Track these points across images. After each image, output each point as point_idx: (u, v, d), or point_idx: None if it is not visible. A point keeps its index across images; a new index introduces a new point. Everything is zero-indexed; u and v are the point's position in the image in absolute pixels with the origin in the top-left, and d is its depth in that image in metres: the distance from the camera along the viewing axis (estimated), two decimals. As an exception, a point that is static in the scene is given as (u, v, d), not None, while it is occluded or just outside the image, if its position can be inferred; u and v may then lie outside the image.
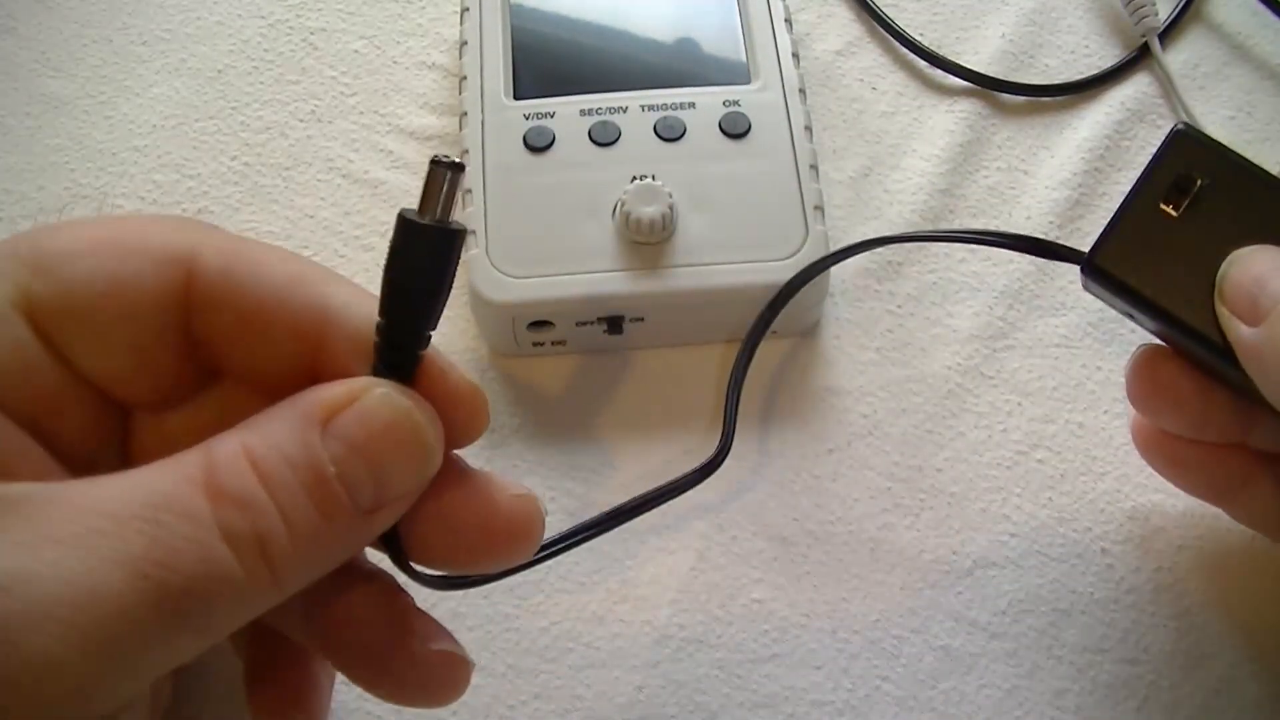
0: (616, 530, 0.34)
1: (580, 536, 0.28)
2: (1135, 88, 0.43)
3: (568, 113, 0.38)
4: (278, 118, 0.42)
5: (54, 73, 0.43)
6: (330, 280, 0.23)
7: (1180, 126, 0.28)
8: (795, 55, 0.39)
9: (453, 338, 0.38)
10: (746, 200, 0.36)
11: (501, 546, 0.24)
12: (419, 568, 0.24)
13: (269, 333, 0.22)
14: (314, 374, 0.22)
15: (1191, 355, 0.29)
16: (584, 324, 0.36)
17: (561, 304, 0.35)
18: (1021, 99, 0.43)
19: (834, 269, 0.37)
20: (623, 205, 0.35)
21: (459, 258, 0.22)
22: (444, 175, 0.21)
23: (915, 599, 0.33)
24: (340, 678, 0.27)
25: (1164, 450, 0.31)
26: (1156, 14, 0.44)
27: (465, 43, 0.40)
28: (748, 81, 0.39)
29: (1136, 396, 0.30)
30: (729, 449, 0.33)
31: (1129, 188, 0.28)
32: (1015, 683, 0.32)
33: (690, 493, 0.34)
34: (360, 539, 0.22)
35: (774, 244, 0.35)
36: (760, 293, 0.35)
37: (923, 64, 0.44)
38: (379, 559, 0.25)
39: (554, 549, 0.27)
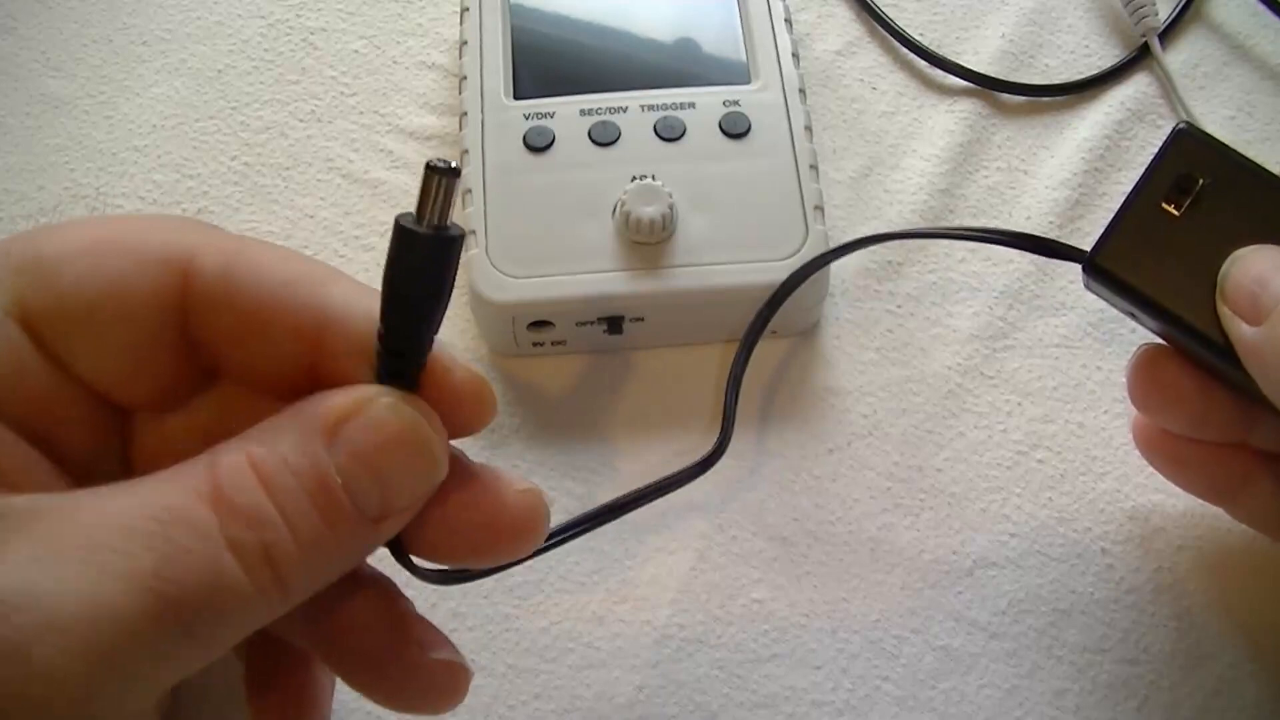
0: (616, 530, 0.34)
1: (578, 529, 0.28)
2: (1135, 88, 0.43)
3: (568, 113, 0.38)
4: (278, 118, 0.42)
5: (54, 73, 0.43)
6: (330, 279, 0.23)
7: (1182, 126, 0.28)
8: (795, 55, 0.39)
9: (453, 338, 0.38)
10: (746, 200, 0.36)
11: (507, 542, 0.24)
12: (419, 562, 0.24)
13: (268, 333, 0.22)
14: (314, 373, 0.22)
15: (1193, 354, 0.29)
16: (584, 324, 0.36)
17: (561, 304, 0.35)
18: (1021, 99, 0.43)
19: (834, 269, 0.37)
20: (623, 205, 0.35)
21: (458, 263, 0.22)
22: (440, 180, 0.20)
23: (915, 599, 0.33)
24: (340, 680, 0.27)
25: (1165, 449, 0.31)
26: (1156, 14, 0.44)
27: (465, 43, 0.40)
28: (748, 81, 0.39)
29: (1137, 395, 0.30)
30: (727, 444, 0.33)
31: (1129, 188, 0.28)
32: (1015, 683, 0.32)
33: (690, 493, 0.34)
34: (366, 547, 0.22)
35: (774, 244, 0.35)
36: (760, 293, 0.35)
37: (923, 64, 0.44)
38: (378, 555, 0.25)
39: (552, 543, 0.27)
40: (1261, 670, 0.32)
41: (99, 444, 0.23)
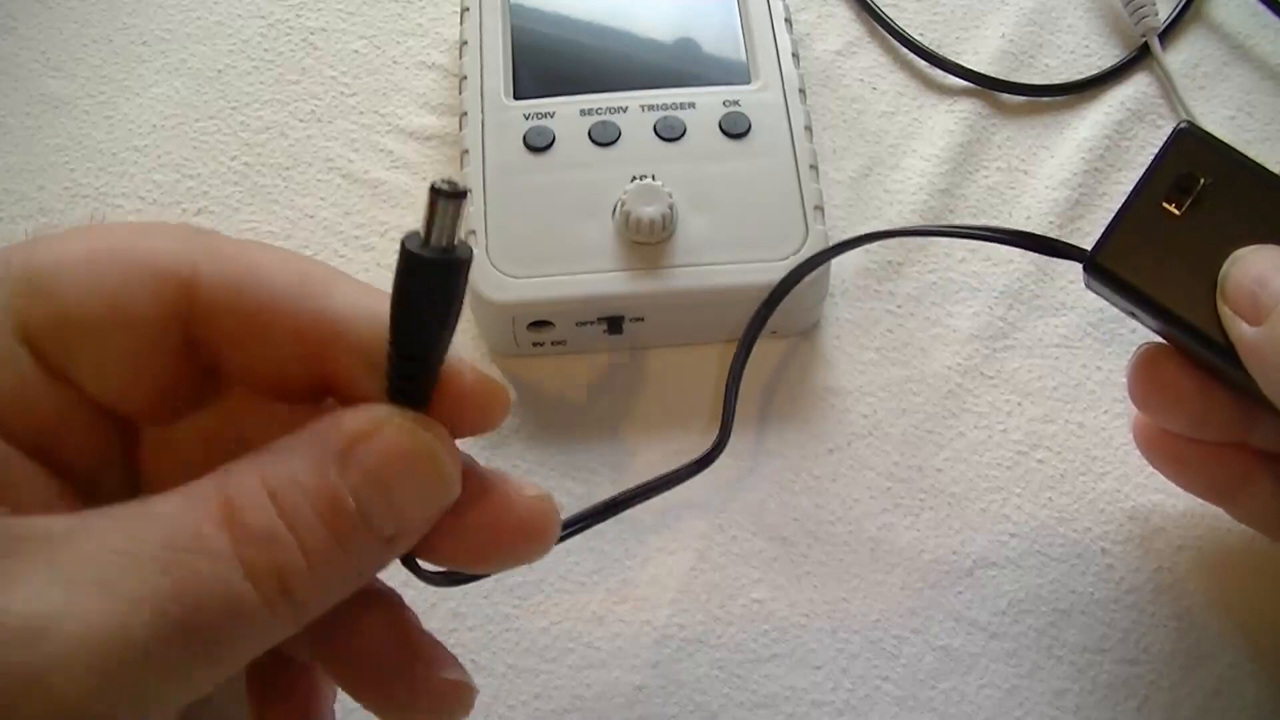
0: (616, 530, 0.34)
1: (577, 527, 0.28)
2: (1135, 88, 0.43)
3: (568, 113, 0.38)
4: (278, 118, 0.42)
5: (54, 73, 0.43)
6: (334, 282, 0.23)
7: (1183, 125, 0.28)
8: (795, 55, 0.39)
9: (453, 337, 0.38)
10: (746, 200, 0.36)
11: (517, 549, 0.24)
12: (424, 564, 0.24)
13: (273, 342, 0.22)
14: (322, 379, 0.22)
15: (1193, 354, 0.29)
16: (584, 324, 0.36)
17: (561, 304, 0.35)
18: (1021, 99, 0.43)
19: (834, 269, 0.37)
20: (623, 205, 0.35)
21: (465, 285, 0.22)
22: (445, 204, 0.20)
23: (915, 599, 0.33)
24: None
25: (1165, 449, 0.31)
26: (1156, 14, 0.44)
27: (465, 43, 0.40)
28: (748, 81, 0.39)
29: (1138, 395, 0.30)
30: (726, 441, 0.33)
31: (1129, 188, 0.28)
32: (1015, 683, 0.32)
33: (690, 493, 0.34)
34: (378, 564, 0.22)
35: (774, 244, 0.35)
36: (760, 293, 0.35)
37: (923, 64, 0.44)
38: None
39: None
40: (1261, 670, 0.32)
41: (104, 456, 0.23)
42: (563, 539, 0.28)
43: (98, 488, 0.22)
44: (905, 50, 0.44)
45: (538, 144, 0.37)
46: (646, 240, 0.35)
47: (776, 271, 0.35)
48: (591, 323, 0.36)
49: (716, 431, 0.33)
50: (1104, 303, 0.30)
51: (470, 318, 0.37)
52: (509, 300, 0.35)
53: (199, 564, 0.19)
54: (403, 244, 0.20)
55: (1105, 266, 0.28)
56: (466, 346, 0.38)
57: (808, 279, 0.35)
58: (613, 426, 0.36)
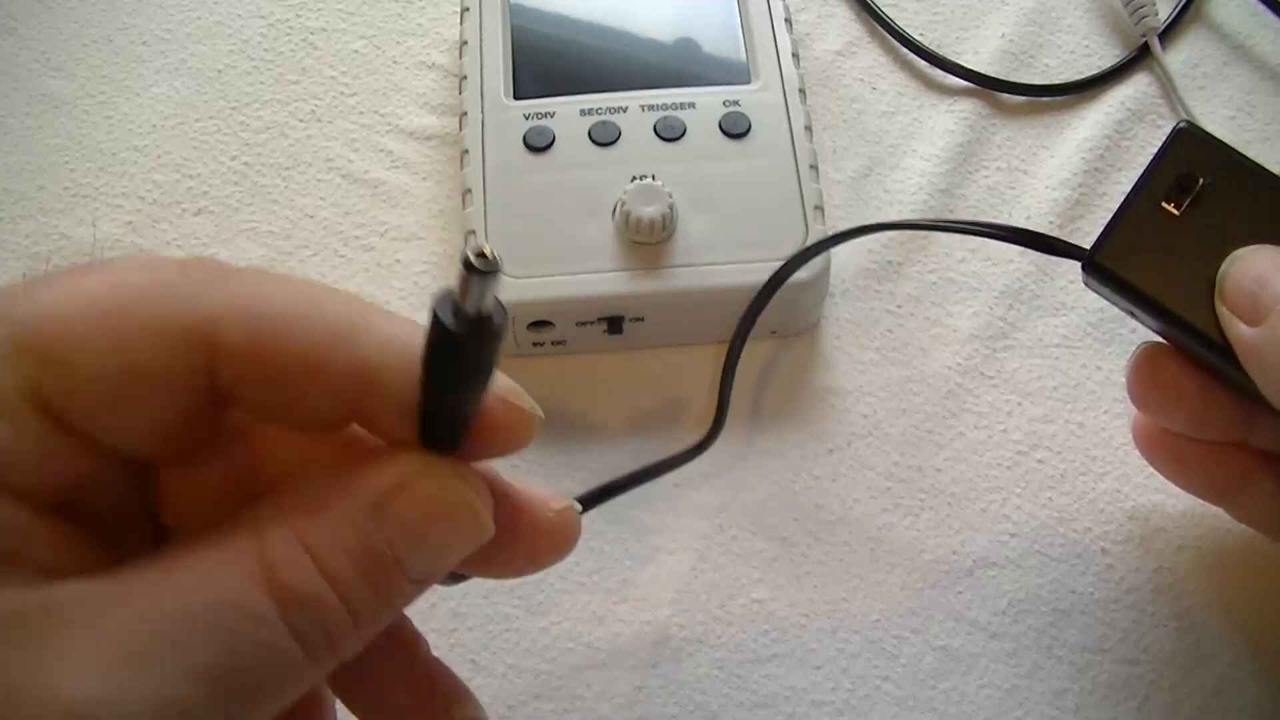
0: (617, 530, 0.34)
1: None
2: (1135, 88, 0.43)
3: (568, 113, 0.38)
4: (278, 118, 0.42)
5: (54, 73, 0.43)
6: (363, 327, 0.21)
7: (1183, 125, 0.28)
8: (795, 55, 0.39)
9: (453, 338, 0.38)
10: (746, 200, 0.36)
11: (538, 562, 0.24)
12: None
13: (300, 392, 0.21)
14: (352, 417, 0.22)
15: (1192, 354, 0.29)
16: (584, 324, 0.36)
17: (561, 304, 0.35)
18: (1021, 99, 0.43)
19: (834, 269, 0.37)
20: (623, 205, 0.35)
21: (498, 351, 0.21)
22: (476, 280, 0.19)
23: (915, 599, 0.33)
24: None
25: (1165, 449, 0.31)
26: (1156, 14, 0.44)
27: (465, 43, 0.40)
28: (748, 81, 0.39)
29: (1137, 394, 0.30)
30: (722, 427, 0.33)
31: (1129, 187, 0.28)
32: (1015, 683, 0.32)
33: (690, 493, 0.34)
34: (408, 604, 0.22)
35: (774, 244, 0.35)
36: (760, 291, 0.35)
37: (923, 64, 0.44)
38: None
39: None
40: (1261, 670, 0.32)
41: (125, 501, 0.23)
42: None
43: (122, 533, 0.22)
44: (905, 50, 0.44)
45: (538, 144, 0.37)
46: (646, 240, 0.35)
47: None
48: (591, 323, 0.36)
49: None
50: (1104, 303, 0.30)
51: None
52: (509, 300, 0.35)
53: (245, 629, 0.19)
54: (433, 311, 0.20)
55: (1104, 266, 0.28)
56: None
57: (807, 278, 0.35)
58: (613, 427, 0.36)
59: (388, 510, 0.20)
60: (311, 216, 0.40)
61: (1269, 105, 0.43)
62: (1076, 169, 0.41)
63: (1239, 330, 0.26)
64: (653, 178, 0.36)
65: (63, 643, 0.18)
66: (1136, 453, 0.32)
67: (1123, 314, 0.30)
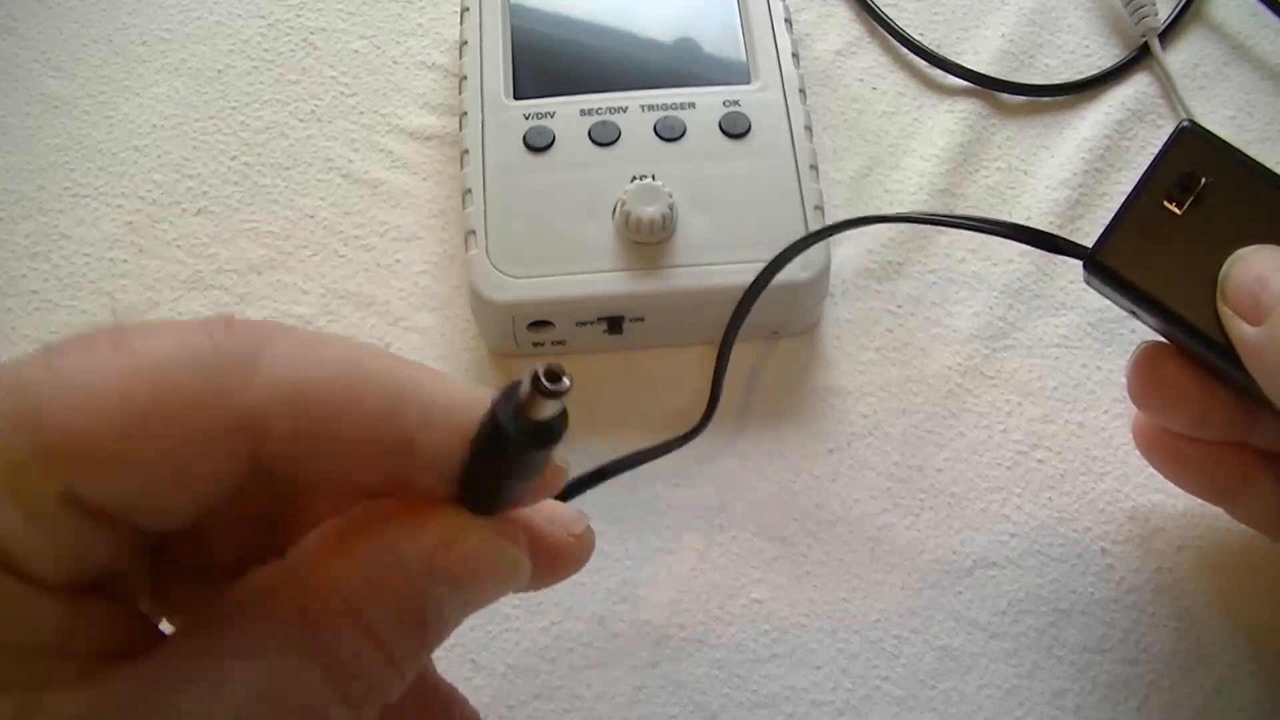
0: (617, 530, 0.34)
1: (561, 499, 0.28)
2: (1135, 88, 0.43)
3: (568, 113, 0.38)
4: (278, 118, 0.42)
5: (54, 73, 0.43)
6: (410, 399, 0.21)
7: (1185, 124, 0.28)
8: (795, 55, 0.39)
9: (453, 338, 0.38)
10: (746, 200, 0.36)
11: (556, 579, 0.24)
12: None
13: (345, 472, 0.21)
14: (392, 486, 0.22)
15: (1193, 353, 0.29)
16: (584, 324, 0.36)
17: (561, 304, 0.35)
18: (1021, 99, 0.43)
19: (834, 269, 0.37)
20: (623, 205, 0.35)
21: (550, 453, 0.21)
22: (542, 401, 0.20)
23: (915, 599, 0.33)
24: None
25: (1165, 448, 0.31)
26: (1156, 14, 0.44)
27: (465, 43, 0.40)
28: (748, 81, 0.39)
29: (1138, 394, 0.30)
30: (714, 412, 0.33)
31: (1129, 188, 0.28)
32: (1015, 683, 0.32)
33: (691, 493, 0.34)
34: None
35: (774, 244, 0.35)
36: (761, 293, 0.35)
37: (923, 64, 0.44)
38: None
39: None
40: (1261, 670, 0.32)
41: (159, 568, 0.23)
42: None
43: (165, 596, 0.22)
44: (905, 50, 0.44)
45: (538, 144, 0.37)
46: (646, 240, 0.35)
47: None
48: (591, 323, 0.36)
49: (718, 432, 0.33)
50: (1104, 303, 0.30)
51: (470, 318, 0.37)
52: (509, 300, 0.35)
53: (299, 700, 0.19)
54: (494, 410, 0.20)
55: (1105, 264, 0.28)
56: (466, 346, 0.38)
57: (807, 278, 0.35)
58: (613, 427, 0.36)
59: (434, 571, 0.21)
60: (311, 216, 0.40)
61: (1269, 105, 0.43)
62: (1077, 169, 0.41)
63: (1241, 330, 0.26)
64: (653, 178, 0.36)
65: None
66: (1136, 453, 0.32)
67: (1123, 314, 0.30)
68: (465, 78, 0.39)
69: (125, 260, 0.39)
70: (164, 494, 0.20)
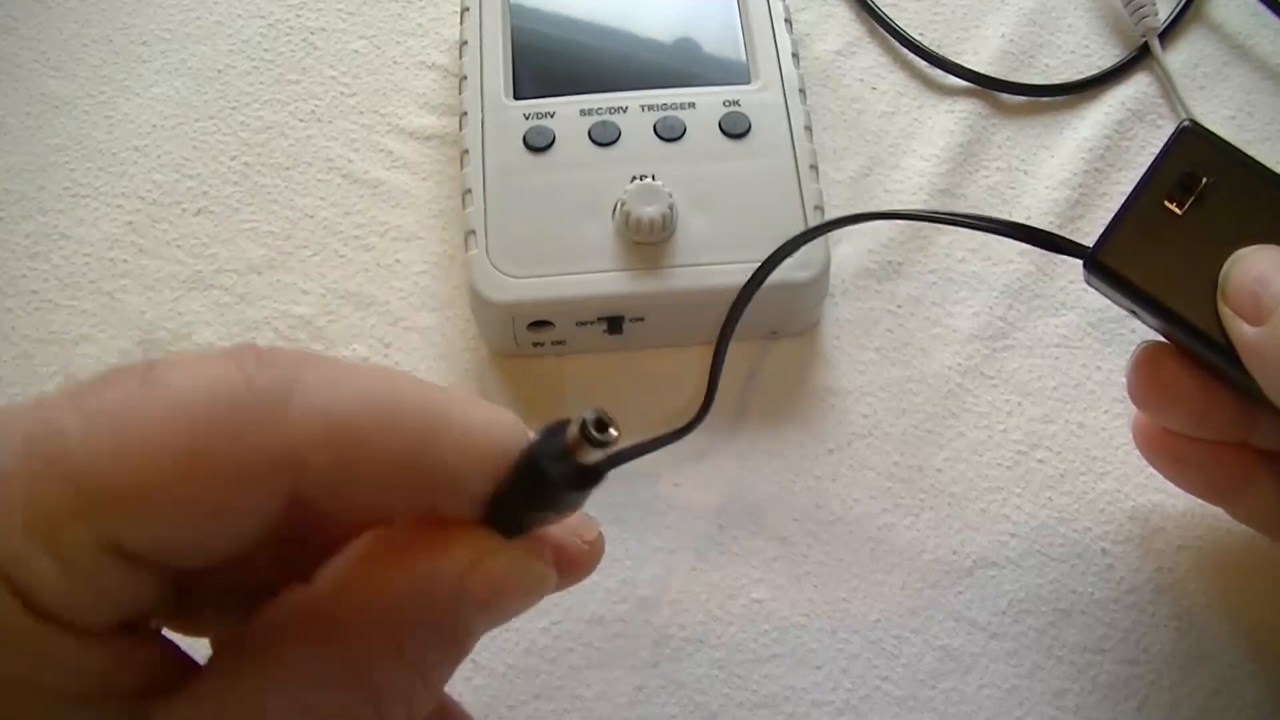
0: (617, 530, 0.34)
1: None
2: (1135, 88, 0.43)
3: (568, 113, 0.38)
4: (278, 118, 0.42)
5: (54, 73, 0.43)
6: (445, 429, 0.21)
7: (1186, 124, 0.28)
8: (795, 55, 0.39)
9: (453, 338, 0.38)
10: (746, 200, 0.36)
11: (568, 584, 0.24)
12: None
13: (380, 502, 0.21)
14: (423, 511, 0.22)
15: (1193, 353, 0.29)
16: (584, 324, 0.36)
17: (561, 304, 0.35)
18: (1021, 99, 0.43)
19: (834, 269, 0.37)
20: (623, 205, 0.35)
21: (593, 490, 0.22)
22: (589, 449, 0.20)
23: (915, 599, 0.33)
24: None
25: (1165, 448, 0.31)
26: (1156, 14, 0.44)
27: (465, 43, 0.40)
28: (748, 81, 0.39)
29: (1138, 393, 0.30)
30: (710, 405, 0.33)
31: (1129, 188, 0.28)
32: (1015, 683, 0.32)
33: (691, 493, 0.34)
34: None
35: (774, 244, 0.35)
36: (760, 293, 0.35)
37: (923, 64, 0.44)
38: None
39: None
40: (1261, 670, 0.32)
41: (193, 600, 0.23)
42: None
43: (180, 616, 0.23)
44: (905, 50, 0.44)
45: (538, 144, 0.37)
46: (646, 240, 0.35)
47: (776, 271, 0.35)
48: (591, 323, 0.36)
49: (718, 432, 0.33)
50: (1104, 302, 0.30)
51: (470, 318, 0.37)
52: (509, 300, 0.35)
53: None
54: (539, 450, 0.20)
55: (1106, 264, 0.28)
56: (466, 346, 0.38)
57: (807, 278, 0.35)
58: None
59: (464, 591, 0.21)
60: (311, 216, 0.40)
61: (1269, 105, 0.43)
62: (1077, 169, 0.41)
63: (1241, 330, 0.26)
64: (653, 178, 0.36)
65: None
66: (1136, 453, 0.32)
67: (1123, 314, 0.30)
68: (465, 78, 0.39)
69: (125, 260, 0.39)
70: (202, 535, 0.20)
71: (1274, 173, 0.28)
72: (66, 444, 0.18)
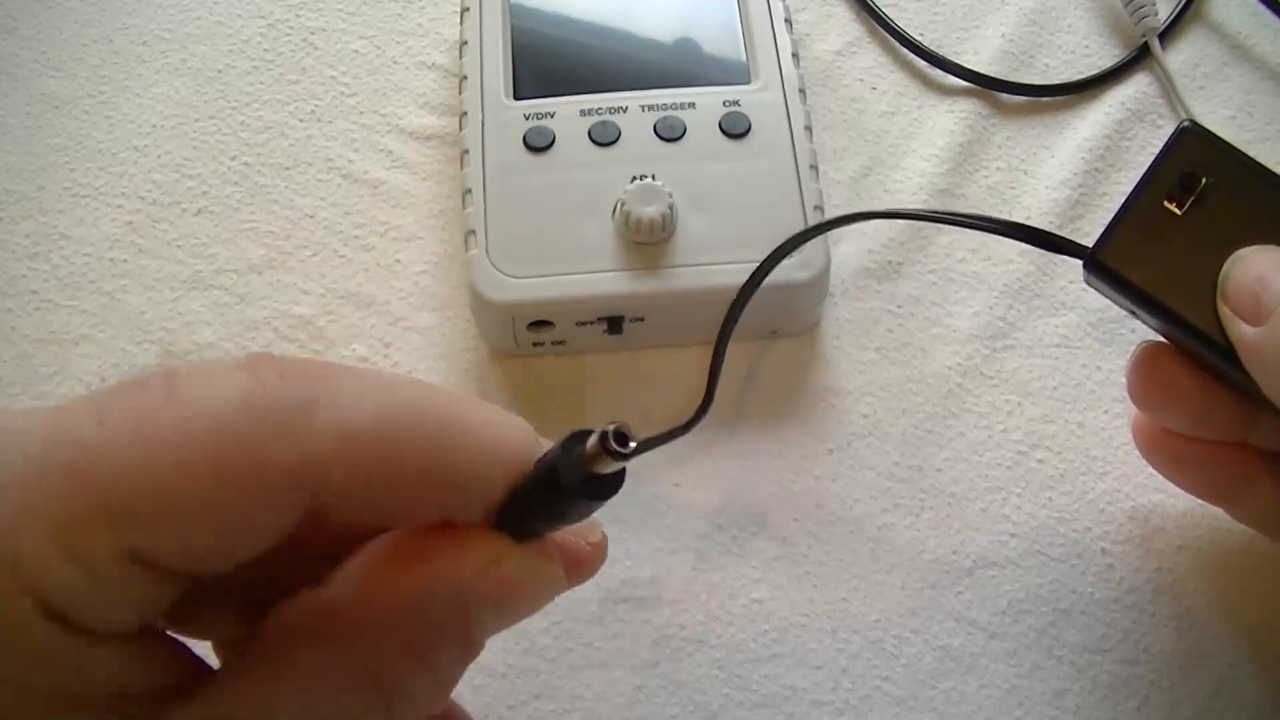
0: (617, 530, 0.34)
1: None
2: (1135, 88, 0.43)
3: (568, 113, 0.38)
4: (278, 118, 0.42)
5: (54, 73, 0.43)
6: (461, 438, 0.21)
7: (1187, 124, 0.28)
8: (795, 55, 0.39)
9: (453, 338, 0.38)
10: (746, 200, 0.36)
11: (571, 584, 0.25)
12: None
13: (397, 510, 0.22)
14: (438, 518, 0.22)
15: (1193, 353, 0.29)
16: (584, 324, 0.36)
17: (561, 304, 0.35)
18: (1021, 99, 0.43)
19: (834, 269, 0.37)
20: (623, 205, 0.35)
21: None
22: (608, 460, 0.20)
23: (915, 599, 0.33)
24: None
25: (1165, 448, 0.31)
26: (1156, 14, 0.44)
27: (465, 43, 0.40)
28: (748, 81, 0.39)
29: (1138, 393, 0.30)
30: (710, 402, 0.33)
31: (1129, 188, 0.28)
32: (1015, 683, 0.32)
33: (690, 493, 0.34)
34: None
35: (774, 244, 0.35)
36: (760, 293, 0.35)
37: (923, 64, 0.44)
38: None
39: None
40: (1261, 670, 0.32)
41: (209, 603, 0.23)
42: None
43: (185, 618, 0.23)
44: (905, 50, 0.44)
45: (538, 144, 0.37)
46: (646, 240, 0.35)
47: (776, 271, 0.35)
48: (591, 323, 0.36)
49: (718, 432, 0.33)
50: (1104, 303, 0.30)
51: (470, 318, 0.37)
52: (509, 300, 0.35)
53: None
54: (561, 461, 0.20)
55: (1106, 264, 0.28)
56: (466, 346, 0.38)
57: (807, 278, 0.35)
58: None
59: (476, 595, 0.21)
60: (311, 216, 0.40)
61: (1269, 105, 0.43)
62: (1076, 169, 0.41)
63: (1241, 330, 0.26)
64: (653, 178, 0.36)
65: None
66: (1136, 453, 0.32)
67: (1123, 314, 0.30)
68: (465, 78, 0.39)
69: (125, 260, 0.39)
70: (223, 545, 0.20)
71: (1274, 173, 0.28)
72: (89, 454, 0.19)
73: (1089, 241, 0.29)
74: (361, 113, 0.42)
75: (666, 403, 0.36)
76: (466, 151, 0.37)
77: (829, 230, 0.35)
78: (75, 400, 0.20)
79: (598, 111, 0.38)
